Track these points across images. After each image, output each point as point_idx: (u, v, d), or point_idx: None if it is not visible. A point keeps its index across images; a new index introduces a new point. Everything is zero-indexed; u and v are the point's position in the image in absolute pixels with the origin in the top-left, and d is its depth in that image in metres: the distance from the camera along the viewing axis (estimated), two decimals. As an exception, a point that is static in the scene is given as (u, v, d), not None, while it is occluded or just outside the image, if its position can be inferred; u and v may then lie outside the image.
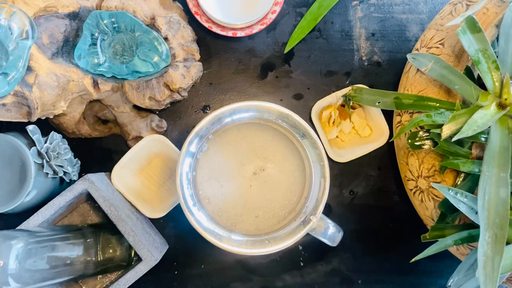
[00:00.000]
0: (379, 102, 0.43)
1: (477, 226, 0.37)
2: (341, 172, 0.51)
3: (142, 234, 0.43)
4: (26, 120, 0.41)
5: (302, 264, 0.50)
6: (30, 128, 0.41)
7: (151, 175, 0.48)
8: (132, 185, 0.47)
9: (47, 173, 0.42)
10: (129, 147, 0.48)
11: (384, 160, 0.51)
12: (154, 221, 0.49)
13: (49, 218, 0.42)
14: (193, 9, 0.49)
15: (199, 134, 0.40)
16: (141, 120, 0.48)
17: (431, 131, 0.38)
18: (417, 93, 0.41)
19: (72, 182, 0.46)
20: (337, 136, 0.50)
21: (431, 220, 0.41)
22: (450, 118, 0.36)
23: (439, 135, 0.36)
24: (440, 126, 0.37)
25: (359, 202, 0.51)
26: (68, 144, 0.46)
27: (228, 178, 0.44)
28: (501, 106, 0.35)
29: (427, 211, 0.41)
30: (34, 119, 0.41)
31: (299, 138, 0.42)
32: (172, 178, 0.48)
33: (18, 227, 0.41)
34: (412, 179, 0.42)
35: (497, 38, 0.38)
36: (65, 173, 0.44)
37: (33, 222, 0.41)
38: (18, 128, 0.43)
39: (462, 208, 0.35)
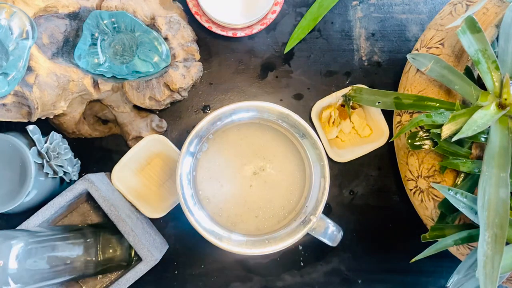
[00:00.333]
0: (379, 102, 0.43)
1: (477, 226, 0.37)
2: (341, 172, 0.51)
3: (142, 234, 0.43)
4: (26, 120, 0.41)
5: (302, 264, 0.50)
6: (30, 128, 0.41)
7: (151, 175, 0.48)
8: (132, 185, 0.47)
9: (47, 173, 0.42)
10: (129, 147, 0.48)
11: (384, 160, 0.51)
12: (154, 221, 0.49)
13: (49, 218, 0.42)
14: (193, 9, 0.49)
15: (199, 134, 0.40)
16: (141, 120, 0.48)
17: (431, 131, 0.38)
18: (417, 93, 0.41)
19: (72, 182, 0.46)
20: (337, 136, 0.50)
21: (431, 220, 0.41)
22: (450, 118, 0.36)
23: (439, 135, 0.36)
24: (440, 126, 0.37)
25: (359, 202, 0.51)
26: (68, 144, 0.46)
27: (228, 178, 0.44)
28: (501, 106, 0.35)
29: (427, 211, 0.41)
30: (34, 119, 0.41)
31: (299, 138, 0.42)
32: (172, 178, 0.48)
33: (18, 227, 0.41)
34: (412, 179, 0.42)
35: (497, 38, 0.38)
36: (65, 173, 0.44)
37: (33, 222, 0.41)
38: (18, 128, 0.43)
39: (462, 208, 0.35)
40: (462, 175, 0.38)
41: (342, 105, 0.50)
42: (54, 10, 0.41)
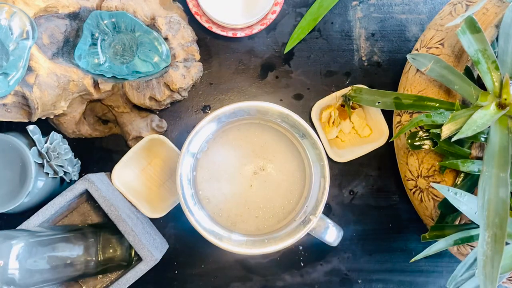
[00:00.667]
0: (379, 102, 0.43)
1: (477, 226, 0.37)
2: (341, 172, 0.51)
3: (142, 234, 0.43)
4: (26, 120, 0.41)
5: (302, 264, 0.50)
6: (30, 128, 0.41)
7: (151, 175, 0.48)
8: (132, 185, 0.47)
9: (48, 173, 0.42)
10: (129, 147, 0.48)
11: (384, 160, 0.51)
12: (154, 221, 0.49)
13: (50, 218, 0.42)
14: (193, 9, 0.49)
15: (199, 134, 0.40)
16: (141, 120, 0.48)
17: (430, 131, 0.38)
18: (417, 93, 0.41)
19: (72, 182, 0.46)
20: (337, 136, 0.50)
21: (431, 220, 0.41)
22: (450, 118, 0.36)
23: (439, 135, 0.36)
24: (439, 126, 0.37)
25: (359, 202, 0.51)
26: (68, 144, 0.46)
27: (228, 178, 0.44)
28: (500, 106, 0.35)
29: (427, 211, 0.41)
30: (34, 119, 0.41)
31: (299, 138, 0.42)
32: (172, 178, 0.48)
33: (19, 227, 0.41)
34: (412, 179, 0.42)
35: (497, 38, 0.38)
36: (65, 173, 0.44)
37: (34, 222, 0.41)
38: (18, 128, 0.43)
39: (462, 208, 0.35)
40: (462, 175, 0.38)
41: (342, 105, 0.50)
42: (54, 10, 0.41)
